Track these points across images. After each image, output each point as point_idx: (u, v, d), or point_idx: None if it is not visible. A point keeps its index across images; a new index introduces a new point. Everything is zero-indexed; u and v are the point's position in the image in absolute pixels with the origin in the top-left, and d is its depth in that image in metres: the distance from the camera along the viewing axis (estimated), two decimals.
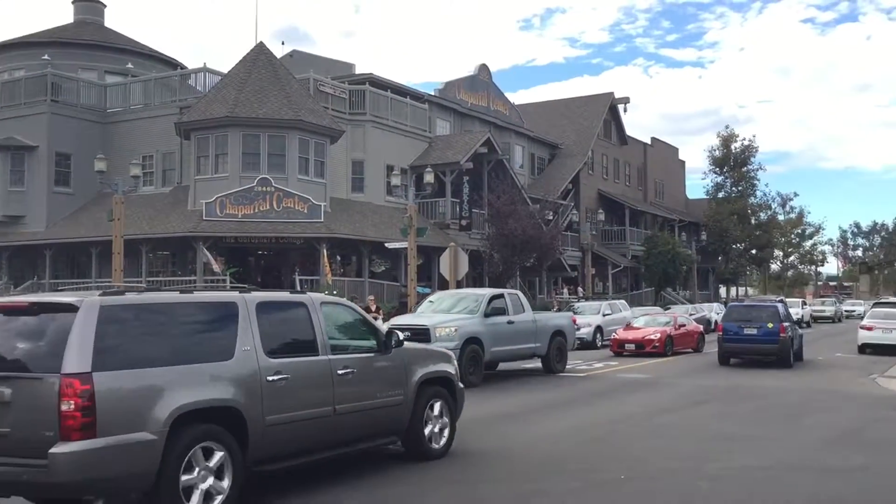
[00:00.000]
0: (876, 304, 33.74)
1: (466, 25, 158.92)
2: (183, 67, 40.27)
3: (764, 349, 22.53)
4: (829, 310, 54.64)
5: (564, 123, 51.86)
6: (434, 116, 39.71)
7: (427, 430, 9.39)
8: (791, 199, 77.99)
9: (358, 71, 39.21)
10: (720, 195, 65.72)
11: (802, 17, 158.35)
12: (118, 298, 6.79)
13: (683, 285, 56.52)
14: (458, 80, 42.14)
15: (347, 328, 9.01)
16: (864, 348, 27.09)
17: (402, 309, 27.41)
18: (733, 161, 66.39)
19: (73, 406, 6.02)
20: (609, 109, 53.48)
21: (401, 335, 9.32)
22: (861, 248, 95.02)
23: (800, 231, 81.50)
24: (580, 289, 44.80)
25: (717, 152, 66.97)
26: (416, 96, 38.61)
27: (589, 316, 30.59)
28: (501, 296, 19.56)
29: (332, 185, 32.29)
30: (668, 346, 25.25)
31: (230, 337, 7.34)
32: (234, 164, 29.91)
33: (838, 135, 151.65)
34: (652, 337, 25.36)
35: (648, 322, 27.79)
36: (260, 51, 32.21)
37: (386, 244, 28.96)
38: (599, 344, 29.03)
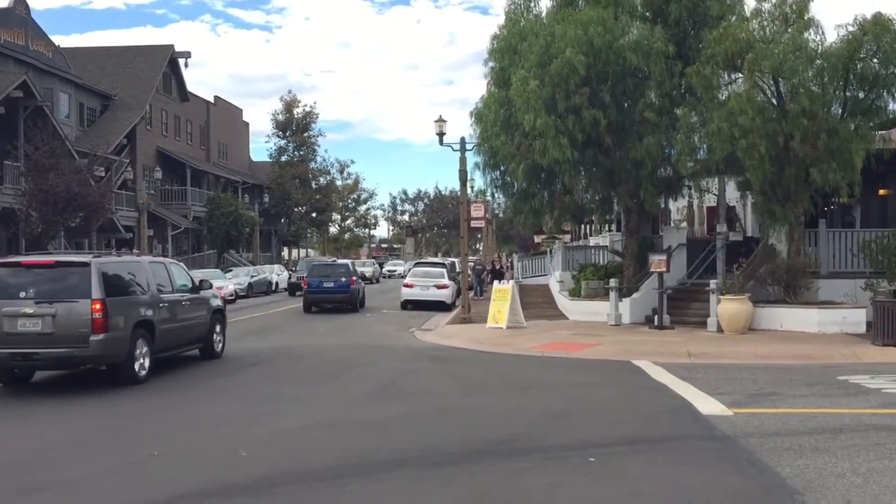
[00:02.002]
0: (417, 265, 37.12)
1: None
2: None
3: (339, 298, 28.69)
4: (368, 270, 54.61)
5: (120, 73, 47.86)
6: None
7: (218, 341, 15.76)
8: (349, 166, 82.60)
9: None
10: (283, 159, 67.01)
11: None
12: (105, 259, 12.70)
13: (247, 247, 56.63)
14: None
15: (180, 277, 14.75)
16: (406, 304, 29.73)
17: None
18: (295, 126, 68.09)
19: (98, 315, 11.50)
20: (169, 63, 50.68)
21: (211, 283, 17.12)
22: (408, 214, 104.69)
23: (356, 196, 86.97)
24: (136, 251, 42.04)
25: (280, 116, 68.06)
26: None
27: None
28: None
29: None
30: None
31: (144, 281, 13.08)
32: None
33: (391, 109, 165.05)
34: None
35: None
36: None
37: None
38: None
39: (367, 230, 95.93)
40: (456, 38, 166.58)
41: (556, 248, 33.10)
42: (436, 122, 23.42)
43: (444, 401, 11.15)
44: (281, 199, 62.26)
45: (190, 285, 14.85)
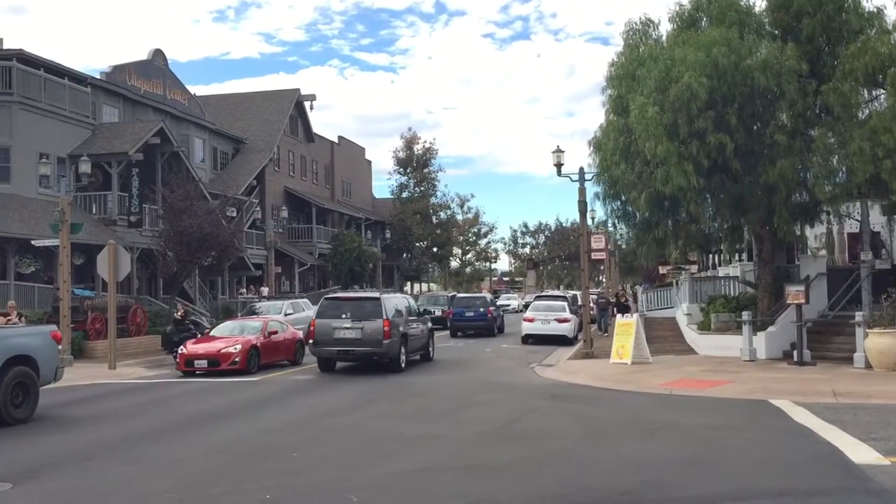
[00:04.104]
0: (538, 298, 36.50)
1: (154, 12, 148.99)
2: None
3: (478, 325, 33.43)
4: None
5: (250, 118, 50.11)
6: (100, 102, 35.95)
7: (431, 350, 23.17)
8: (468, 200, 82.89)
9: (6, 46, 34.22)
10: (404, 195, 67.97)
11: (483, 31, 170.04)
12: (386, 294, 22.79)
13: (370, 282, 57.54)
14: (130, 65, 38.59)
15: (412, 307, 22.71)
16: (527, 339, 29.12)
17: (56, 315, 24.23)
18: (416, 162, 69.06)
19: (386, 328, 19.23)
20: (295, 106, 52.67)
21: (431, 311, 29.79)
22: (528, 246, 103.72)
23: (476, 230, 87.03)
24: (264, 288, 43.51)
25: (401, 153, 69.23)
26: (78, 78, 34.65)
27: (271, 316, 29.50)
28: None
29: None
30: (252, 361, 20.35)
31: (400, 308, 20.93)
32: None
33: (513, 142, 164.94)
34: (230, 350, 20.26)
35: (234, 330, 22.26)
36: None
37: (33, 241, 25.43)
38: None
39: (487, 263, 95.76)
40: (576, 69, 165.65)
41: (683, 280, 31.73)
42: (553, 152, 22.94)
43: (564, 443, 10.58)
44: (402, 235, 63.08)
45: (417, 312, 22.71)
